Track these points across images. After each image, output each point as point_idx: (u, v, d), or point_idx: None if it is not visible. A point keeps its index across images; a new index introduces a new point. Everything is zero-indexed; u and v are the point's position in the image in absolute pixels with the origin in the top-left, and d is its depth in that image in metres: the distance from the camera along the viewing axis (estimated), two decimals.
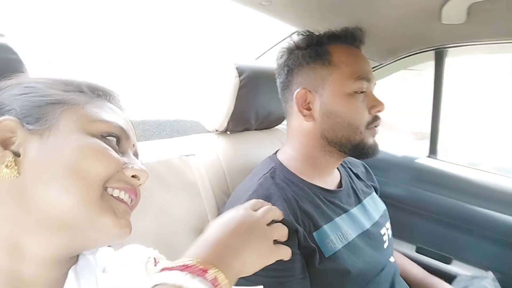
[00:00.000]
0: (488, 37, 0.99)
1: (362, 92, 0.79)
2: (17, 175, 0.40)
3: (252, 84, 0.97)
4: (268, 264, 0.47)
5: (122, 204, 0.43)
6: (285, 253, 0.51)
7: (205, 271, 0.36)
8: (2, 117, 0.43)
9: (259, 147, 1.08)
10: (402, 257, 1.06)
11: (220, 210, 0.87)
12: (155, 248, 0.55)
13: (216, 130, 1.03)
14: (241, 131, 1.09)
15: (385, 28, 1.02)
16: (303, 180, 0.80)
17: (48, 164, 0.41)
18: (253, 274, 0.65)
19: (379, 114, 0.81)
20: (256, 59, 1.27)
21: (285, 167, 0.82)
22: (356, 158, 0.88)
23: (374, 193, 0.97)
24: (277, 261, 0.63)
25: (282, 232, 0.51)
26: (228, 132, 1.06)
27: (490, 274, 1.04)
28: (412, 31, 1.04)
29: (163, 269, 0.37)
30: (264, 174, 0.79)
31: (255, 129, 1.14)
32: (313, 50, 0.81)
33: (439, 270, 1.22)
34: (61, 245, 0.43)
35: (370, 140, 0.80)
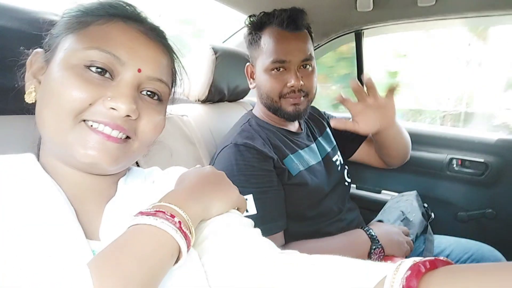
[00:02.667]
0: (389, 20, 1.39)
1: (280, 70, 1.00)
2: (33, 100, 0.48)
3: (224, 61, 1.24)
4: (232, 207, 0.54)
5: (96, 135, 0.44)
6: (244, 203, 0.58)
7: (172, 216, 0.41)
8: (36, 49, 0.50)
9: (231, 114, 1.36)
10: None
11: (210, 154, 1.13)
12: None
13: (198, 100, 1.28)
14: (217, 101, 1.35)
15: (319, 15, 1.36)
16: (272, 125, 1.09)
17: (42, 92, 0.47)
18: (243, 187, 0.93)
19: (301, 88, 1.00)
20: (223, 42, 1.54)
21: (258, 117, 1.11)
22: (286, 120, 1.08)
23: (327, 129, 1.26)
24: (259, 176, 0.95)
25: (243, 203, 0.58)
26: (207, 102, 1.32)
27: (414, 192, 1.36)
28: (337, 17, 1.41)
29: (140, 213, 0.42)
30: (244, 123, 1.07)
31: (227, 101, 1.42)
32: (251, 36, 1.06)
33: (374, 199, 1.62)
34: (73, 167, 0.47)
35: (288, 108, 1.02)
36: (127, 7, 0.50)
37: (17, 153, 0.49)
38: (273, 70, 1.01)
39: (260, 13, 1.05)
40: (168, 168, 0.61)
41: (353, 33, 1.53)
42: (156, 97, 0.50)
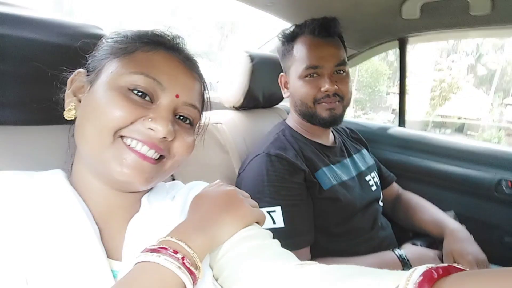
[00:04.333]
0: (436, 28, 1.30)
1: (314, 76, 1.01)
2: (73, 116, 0.51)
3: (260, 69, 1.24)
4: (244, 226, 0.51)
5: (133, 154, 0.46)
6: (261, 216, 0.56)
7: (175, 252, 0.41)
8: (78, 69, 0.53)
9: (265, 120, 1.35)
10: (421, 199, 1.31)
11: (242, 160, 1.12)
12: None
13: (233, 107, 1.28)
14: (252, 108, 1.35)
15: (360, 22, 1.31)
16: (306, 137, 1.08)
17: (84, 111, 0.49)
18: (272, 198, 0.93)
19: (336, 92, 1.00)
20: (259, 48, 1.53)
21: (292, 128, 1.10)
22: (321, 127, 1.07)
23: (364, 150, 1.25)
24: (289, 188, 0.93)
25: (261, 217, 0.56)
26: (242, 109, 1.32)
27: (452, 212, 1.27)
28: (380, 24, 1.34)
29: (145, 249, 0.42)
30: (277, 133, 1.07)
31: (261, 107, 1.41)
32: (284, 47, 1.09)
33: None
34: (103, 183, 0.50)
35: (323, 113, 1.02)
36: (169, 37, 0.54)
37: (52, 161, 0.55)
38: (307, 76, 1.02)
39: (292, 26, 1.07)
40: (189, 183, 0.63)
41: (397, 40, 1.46)
42: (188, 122, 0.53)
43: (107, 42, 0.53)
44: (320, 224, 0.97)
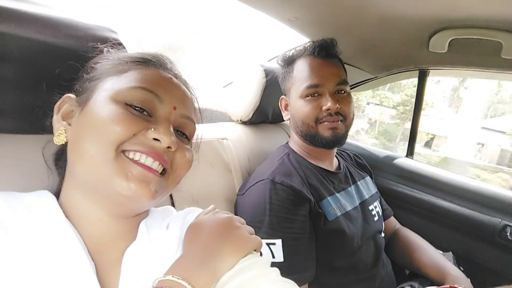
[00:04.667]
0: (462, 65, 1.25)
1: (315, 95, 0.98)
2: (64, 141, 0.49)
3: (274, 84, 1.17)
4: (243, 256, 0.49)
5: (138, 167, 0.44)
6: (259, 244, 0.53)
7: None
8: (66, 94, 0.52)
9: (272, 137, 1.29)
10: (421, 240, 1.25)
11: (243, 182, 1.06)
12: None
13: (241, 121, 1.22)
14: (259, 123, 1.29)
15: (384, 48, 1.25)
16: (310, 162, 1.03)
17: (79, 130, 0.47)
18: (273, 230, 0.87)
19: (338, 111, 0.97)
20: (268, 61, 1.46)
21: (296, 152, 1.05)
22: (324, 148, 1.03)
23: (368, 177, 1.21)
24: (293, 220, 0.87)
25: (259, 245, 0.53)
26: (248, 123, 1.25)
27: (450, 254, 1.25)
28: (404, 53, 1.29)
29: None
30: (282, 157, 1.01)
31: (269, 123, 1.35)
32: (284, 70, 1.07)
33: None
34: (101, 207, 0.47)
35: (326, 133, 0.98)
36: (158, 57, 0.55)
37: (29, 172, 0.53)
38: (308, 96, 0.99)
39: (290, 49, 1.08)
40: (182, 211, 0.60)
41: (417, 71, 1.40)
42: (185, 136, 0.54)
43: (96, 64, 0.53)
44: (322, 256, 0.92)
